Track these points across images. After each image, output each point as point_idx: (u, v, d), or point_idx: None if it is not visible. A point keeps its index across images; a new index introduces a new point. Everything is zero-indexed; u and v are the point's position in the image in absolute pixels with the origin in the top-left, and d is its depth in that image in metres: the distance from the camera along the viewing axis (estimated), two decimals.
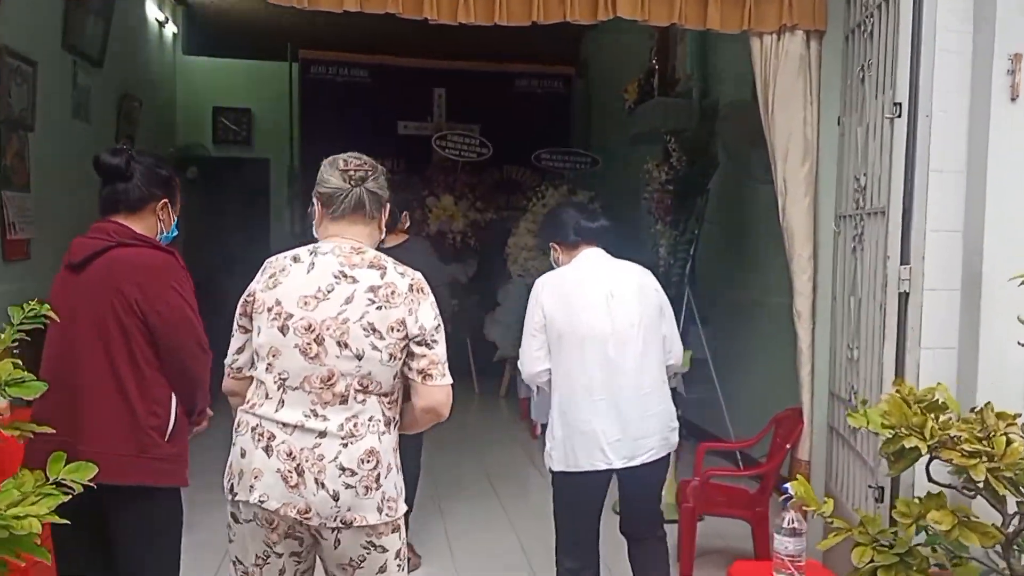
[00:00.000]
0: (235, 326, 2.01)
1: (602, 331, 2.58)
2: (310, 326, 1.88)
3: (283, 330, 1.89)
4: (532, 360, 2.64)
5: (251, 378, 1.97)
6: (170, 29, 7.66)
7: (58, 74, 4.78)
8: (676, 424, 2.73)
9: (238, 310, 1.99)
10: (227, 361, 2.03)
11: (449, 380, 1.96)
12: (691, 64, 6.04)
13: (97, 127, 5.36)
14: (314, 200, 2.05)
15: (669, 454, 2.71)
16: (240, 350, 2.01)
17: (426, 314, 1.93)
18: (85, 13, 5.08)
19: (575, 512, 2.67)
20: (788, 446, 3.49)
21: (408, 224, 3.68)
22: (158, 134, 7.20)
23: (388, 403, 1.94)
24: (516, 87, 8.70)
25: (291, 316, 1.89)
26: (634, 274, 2.71)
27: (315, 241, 2.03)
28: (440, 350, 1.95)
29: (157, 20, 7.27)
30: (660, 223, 4.99)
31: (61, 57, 4.83)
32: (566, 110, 8.84)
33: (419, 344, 1.92)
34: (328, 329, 1.88)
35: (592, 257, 2.71)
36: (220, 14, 7.87)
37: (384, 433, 1.91)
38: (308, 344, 1.87)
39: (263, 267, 2.01)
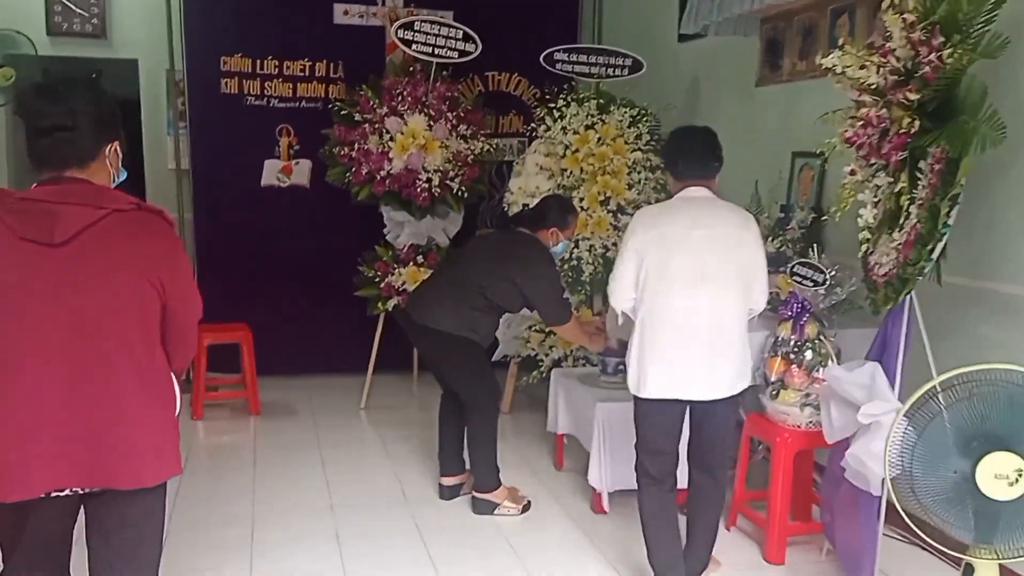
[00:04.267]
0: None
1: (691, 271, 2.69)
2: None
3: None
4: (622, 291, 2.80)
5: None
6: None
7: None
8: (749, 369, 2.83)
9: None
10: None
11: None
12: None
13: None
14: None
15: (735, 398, 2.81)
16: None
17: None
18: None
19: (648, 433, 2.85)
20: None
21: None
22: None
23: None
24: None
25: None
26: (734, 219, 2.79)
27: None
28: None
29: None
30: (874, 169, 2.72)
31: None
32: None
33: None
34: None
35: (695, 196, 2.79)
36: None
37: None
38: None
39: None
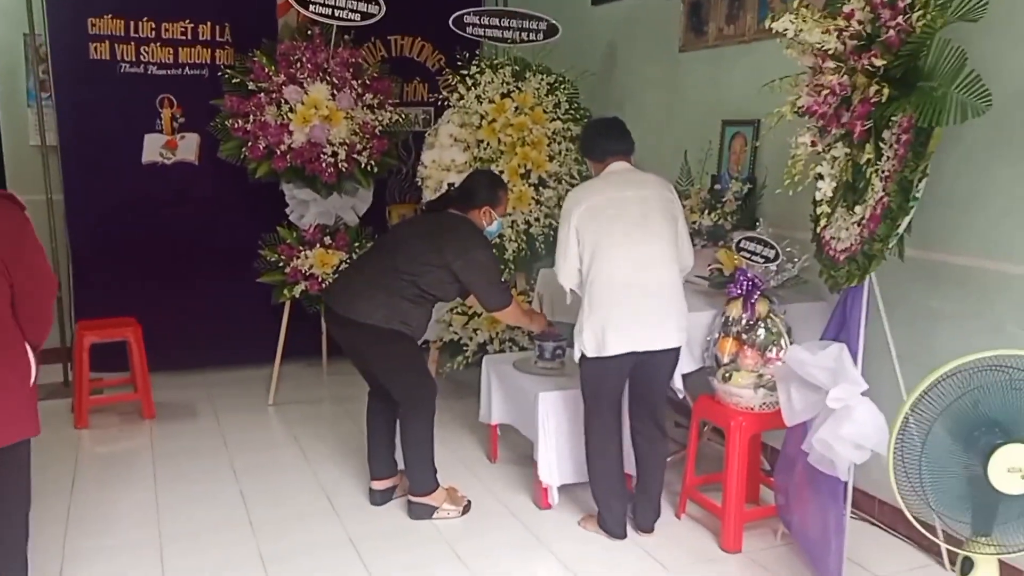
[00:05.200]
0: None
1: (631, 229, 2.93)
2: None
3: None
4: (569, 269, 3.02)
5: None
6: None
7: None
8: (686, 322, 3.04)
9: None
10: None
11: None
12: None
13: None
14: None
15: (679, 349, 3.05)
16: None
17: None
18: None
19: (602, 393, 3.07)
20: None
21: None
22: None
23: None
24: None
25: None
26: (657, 184, 3.08)
27: None
28: None
29: None
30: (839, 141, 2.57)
31: None
32: None
33: None
34: None
35: (620, 170, 3.06)
36: None
37: None
38: None
39: None
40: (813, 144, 2.65)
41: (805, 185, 2.78)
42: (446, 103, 4.68)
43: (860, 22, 2.52)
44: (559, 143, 4.54)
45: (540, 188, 4.54)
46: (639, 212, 2.97)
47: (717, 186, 3.80)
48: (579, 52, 4.98)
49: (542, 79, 4.60)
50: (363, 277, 3.25)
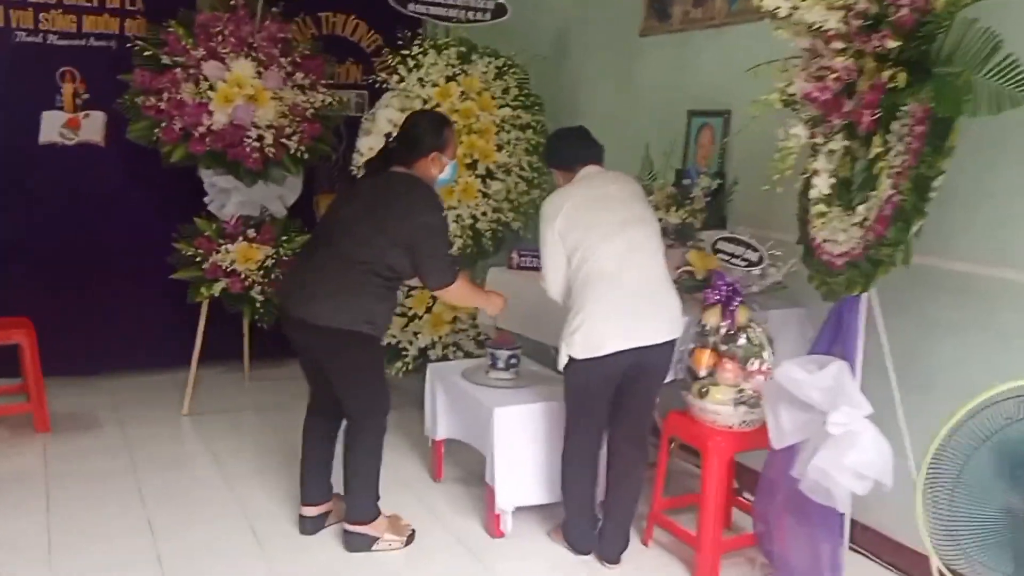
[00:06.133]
0: None
1: (616, 222, 2.78)
2: None
3: None
4: (557, 280, 2.83)
5: None
6: None
7: None
8: (680, 313, 2.82)
9: None
10: None
11: None
12: None
13: None
14: None
15: (674, 342, 2.80)
16: None
17: None
18: None
19: (589, 398, 2.82)
20: None
21: None
22: None
23: None
24: None
25: None
26: (629, 181, 2.97)
27: None
28: None
29: None
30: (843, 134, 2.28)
31: None
32: None
33: None
34: None
35: (593, 172, 2.91)
36: None
37: None
38: None
39: None
40: (812, 136, 2.37)
41: (786, 181, 2.51)
42: (385, 86, 4.28)
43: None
44: (508, 132, 4.20)
45: (487, 180, 4.18)
46: (622, 205, 2.84)
47: (686, 181, 3.50)
48: (528, 35, 4.64)
49: (490, 62, 4.24)
50: (319, 275, 2.80)
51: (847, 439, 2.27)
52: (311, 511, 3.04)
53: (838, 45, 2.23)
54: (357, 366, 2.85)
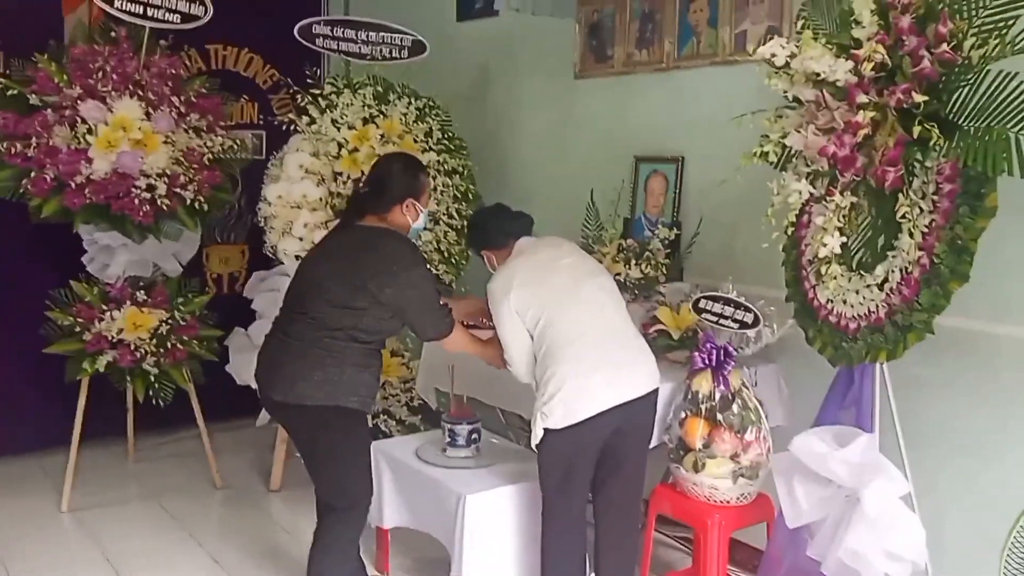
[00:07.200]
0: None
1: (571, 294, 2.63)
2: None
3: None
4: (523, 360, 2.63)
5: None
6: None
7: None
8: (654, 362, 2.65)
9: None
10: None
11: None
12: None
13: None
14: None
15: (656, 392, 2.62)
16: None
17: None
18: None
19: (572, 474, 2.57)
20: None
21: None
22: None
23: None
24: None
25: None
26: (564, 242, 2.87)
27: None
28: None
29: None
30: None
31: None
32: None
33: None
34: None
35: (530, 242, 2.78)
36: None
37: None
38: None
39: None
40: (830, 194, 2.21)
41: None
42: (293, 127, 3.87)
43: (880, 50, 2.12)
44: (434, 178, 3.88)
45: None
46: (569, 267, 2.70)
47: (647, 233, 3.31)
48: (445, 73, 4.35)
49: (410, 103, 3.92)
50: (293, 350, 2.51)
51: (885, 519, 2.10)
52: None
53: (863, 99, 2.08)
54: (336, 446, 2.53)
